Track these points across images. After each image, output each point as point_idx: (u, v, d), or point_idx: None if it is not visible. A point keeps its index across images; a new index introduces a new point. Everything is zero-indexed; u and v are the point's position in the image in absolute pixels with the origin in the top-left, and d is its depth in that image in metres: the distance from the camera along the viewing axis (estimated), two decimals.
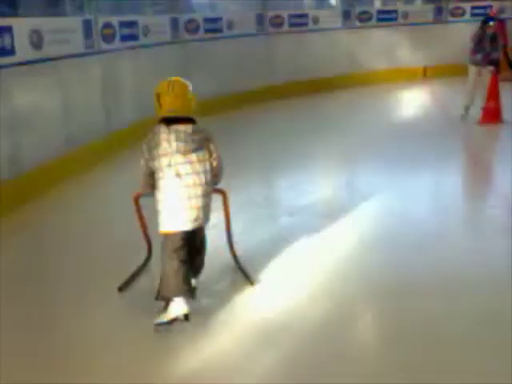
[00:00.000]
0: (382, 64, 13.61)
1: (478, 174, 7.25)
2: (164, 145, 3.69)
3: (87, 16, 7.87)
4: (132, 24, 8.74)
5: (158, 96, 3.80)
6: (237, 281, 4.25)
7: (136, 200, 4.16)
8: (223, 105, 10.28)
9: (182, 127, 3.71)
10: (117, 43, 8.31)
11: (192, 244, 3.83)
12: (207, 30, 10.65)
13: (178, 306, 3.63)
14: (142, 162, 3.82)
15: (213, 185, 3.89)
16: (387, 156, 7.54)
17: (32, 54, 6.35)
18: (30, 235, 5.42)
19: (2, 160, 5.77)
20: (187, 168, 3.69)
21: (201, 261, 4.06)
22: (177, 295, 3.63)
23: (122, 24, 8.47)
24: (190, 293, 3.70)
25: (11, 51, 5.95)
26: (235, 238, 4.45)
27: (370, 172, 7.07)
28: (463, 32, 14.12)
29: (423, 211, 5.69)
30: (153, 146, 3.75)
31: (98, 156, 7.39)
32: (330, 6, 14.71)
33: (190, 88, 3.92)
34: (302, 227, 5.21)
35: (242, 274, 4.27)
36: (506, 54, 12.58)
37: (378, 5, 15.74)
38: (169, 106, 3.76)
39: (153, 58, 9.13)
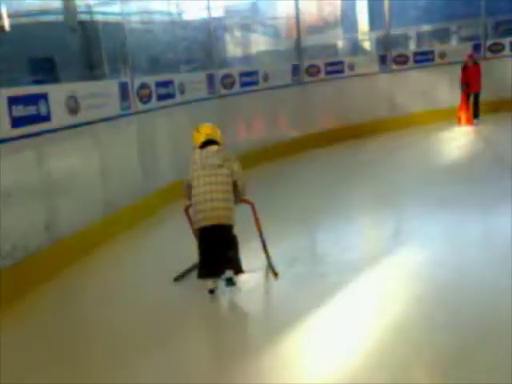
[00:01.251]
0: (421, 106, 13.39)
1: None
2: (197, 162, 5.04)
3: (123, 78, 7.92)
4: (168, 83, 8.76)
5: (198, 128, 5.31)
6: None
7: (186, 210, 5.37)
8: (262, 156, 10.18)
9: (211, 147, 5.12)
10: (153, 103, 8.32)
11: (220, 237, 4.90)
12: (243, 84, 10.66)
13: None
14: (185, 177, 5.11)
15: (233, 194, 5.01)
16: (431, 201, 7.25)
17: (68, 120, 6.36)
18: (69, 301, 5.31)
19: (39, 227, 5.72)
20: (212, 179, 4.92)
21: (234, 255, 4.94)
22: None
23: (158, 84, 8.49)
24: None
25: (47, 118, 5.97)
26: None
27: (415, 219, 6.76)
28: (503, 68, 13.95)
29: (477, 261, 5.34)
30: (190, 164, 5.09)
31: (136, 218, 7.31)
32: (365, 52, 14.67)
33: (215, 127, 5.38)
34: (349, 285, 4.95)
35: (269, 266, 5.31)
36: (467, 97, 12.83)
37: (413, 47, 15.67)
38: (206, 132, 5.26)
39: (189, 115, 9.12)
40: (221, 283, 4.99)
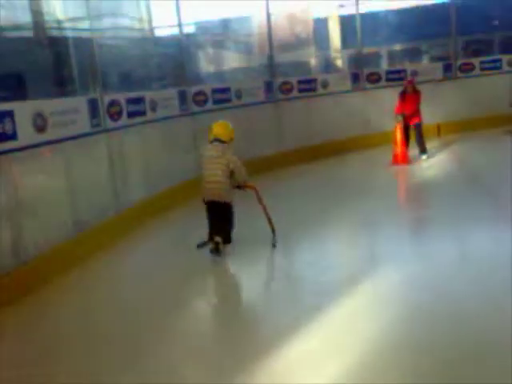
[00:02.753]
0: (394, 123, 13.43)
1: None
2: (204, 154, 6.48)
3: (93, 95, 7.76)
4: (139, 100, 8.63)
5: (211, 127, 6.54)
6: None
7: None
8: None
9: (215, 143, 6.42)
10: (124, 120, 8.17)
11: (215, 211, 6.29)
12: (216, 101, 10.56)
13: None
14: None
15: (229, 178, 6.27)
16: (407, 221, 7.21)
17: (35, 138, 6.18)
18: (39, 323, 5.10)
19: (5, 250, 5.51)
20: (212, 164, 6.30)
21: (224, 227, 6.27)
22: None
23: (129, 100, 8.35)
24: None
25: (13, 136, 5.78)
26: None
27: (393, 240, 6.70)
28: (474, 87, 14.13)
29: (452, 281, 5.27)
30: (202, 153, 6.56)
31: (107, 238, 7.12)
32: (337, 70, 14.73)
33: (230, 126, 6.60)
34: (328, 307, 4.83)
35: (272, 235, 6.53)
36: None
37: (385, 65, 15.79)
38: (215, 132, 6.49)
39: (161, 133, 9.01)
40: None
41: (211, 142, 6.44)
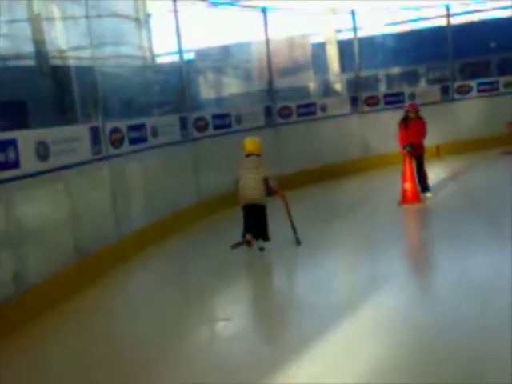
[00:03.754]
0: (393, 146, 13.50)
1: None
2: (242, 164, 7.59)
3: (94, 123, 7.86)
4: (140, 127, 8.74)
5: (244, 144, 7.72)
6: None
7: (235, 192, 7.61)
8: (235, 200, 10.14)
9: (250, 157, 7.60)
10: (125, 147, 8.26)
11: (252, 212, 7.39)
12: (216, 126, 10.67)
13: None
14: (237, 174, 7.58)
15: (263, 184, 7.42)
16: (406, 243, 7.25)
17: (38, 166, 6.27)
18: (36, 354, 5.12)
19: (6, 277, 5.56)
20: (250, 174, 7.44)
21: (262, 227, 7.38)
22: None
23: (131, 128, 8.46)
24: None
25: (15, 164, 5.86)
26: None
27: (392, 262, 6.74)
28: (472, 108, 14.27)
29: (452, 303, 5.31)
30: (239, 166, 7.59)
31: (109, 265, 7.17)
32: (336, 94, 14.87)
33: (258, 140, 7.80)
34: (327, 331, 4.86)
35: (294, 236, 7.58)
36: None
37: (383, 88, 15.94)
38: (248, 149, 7.67)
39: (162, 159, 9.09)
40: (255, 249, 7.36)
41: (247, 156, 7.63)
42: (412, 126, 9.68)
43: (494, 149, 13.03)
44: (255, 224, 7.35)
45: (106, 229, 7.54)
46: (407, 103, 10.86)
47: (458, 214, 8.48)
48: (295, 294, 6.27)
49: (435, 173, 12.03)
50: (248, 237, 7.28)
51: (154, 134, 9.01)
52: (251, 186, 7.43)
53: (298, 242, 7.57)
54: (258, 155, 7.61)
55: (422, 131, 9.76)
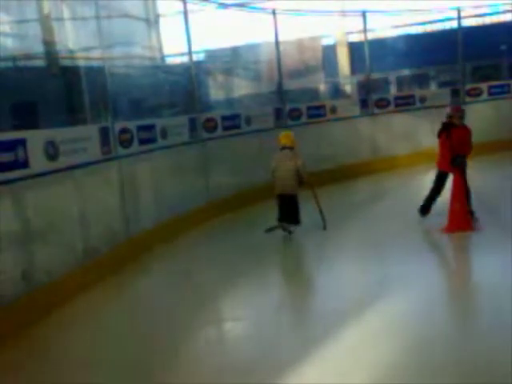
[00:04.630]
0: (404, 148, 13.48)
1: None
2: (276, 158, 8.30)
3: (104, 123, 7.85)
4: (149, 127, 8.72)
5: (280, 138, 8.45)
6: None
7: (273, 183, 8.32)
8: (245, 199, 10.13)
9: (285, 150, 8.29)
10: (135, 147, 8.24)
11: (285, 200, 8.14)
12: (226, 128, 10.64)
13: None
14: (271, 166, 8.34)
15: (297, 176, 8.11)
16: (417, 246, 7.18)
17: (47, 166, 6.25)
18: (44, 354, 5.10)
19: (16, 276, 5.55)
20: (284, 166, 8.13)
21: (294, 213, 8.15)
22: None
23: (140, 128, 8.43)
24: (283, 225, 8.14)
25: (25, 164, 5.85)
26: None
27: (403, 266, 6.66)
28: (482, 111, 14.17)
29: (462, 310, 5.25)
30: (274, 157, 8.33)
31: (118, 265, 7.15)
32: (346, 96, 14.83)
33: (292, 134, 8.56)
34: (333, 336, 4.81)
35: (322, 221, 8.30)
36: None
37: (393, 91, 15.89)
38: (282, 142, 8.38)
39: (171, 159, 9.07)
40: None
41: (281, 149, 8.30)
42: (456, 135, 7.77)
43: (506, 152, 12.91)
44: (288, 211, 8.11)
45: (115, 229, 7.52)
46: (449, 106, 8.72)
47: None
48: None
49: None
50: (283, 224, 8.11)
51: (164, 134, 8.98)
52: (285, 177, 8.12)
53: (325, 227, 8.26)
54: (291, 148, 8.28)
55: (468, 141, 7.96)
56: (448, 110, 8.20)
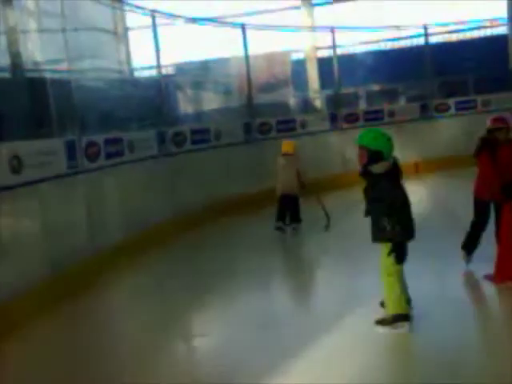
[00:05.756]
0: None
1: None
2: (279, 162, 9.17)
3: (70, 136, 7.73)
4: (117, 141, 8.61)
5: (282, 146, 9.32)
6: None
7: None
8: (212, 213, 10.06)
9: (287, 156, 9.17)
10: (102, 161, 8.13)
11: (287, 200, 8.99)
12: (195, 141, 10.58)
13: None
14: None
15: (296, 178, 9.02)
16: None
17: (11, 179, 6.11)
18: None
19: None
20: (287, 170, 9.01)
21: (295, 212, 9.10)
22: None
23: (107, 141, 8.33)
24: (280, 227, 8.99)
25: None
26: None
27: (372, 277, 6.65)
28: (450, 126, 14.37)
29: (434, 318, 5.24)
30: (277, 162, 9.20)
31: (83, 279, 7.00)
32: (316, 110, 14.90)
33: (293, 143, 9.44)
34: (308, 348, 4.77)
35: (326, 220, 8.93)
36: None
37: (363, 106, 16.02)
38: (284, 149, 9.28)
39: (139, 173, 8.97)
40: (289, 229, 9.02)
41: (283, 155, 9.21)
42: (504, 155, 6.11)
43: (473, 167, 13.05)
44: (290, 211, 9.05)
45: (80, 243, 7.37)
46: (492, 117, 6.40)
47: None
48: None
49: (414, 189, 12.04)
50: (278, 224, 8.89)
51: (131, 148, 8.89)
52: (287, 179, 8.98)
53: (327, 227, 8.87)
54: (292, 155, 9.16)
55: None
56: (488, 122, 6.30)
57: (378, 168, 4.84)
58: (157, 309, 6.24)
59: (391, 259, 4.86)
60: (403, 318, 4.90)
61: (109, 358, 5.03)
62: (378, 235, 4.89)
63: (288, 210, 9.07)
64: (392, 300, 4.92)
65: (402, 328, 4.85)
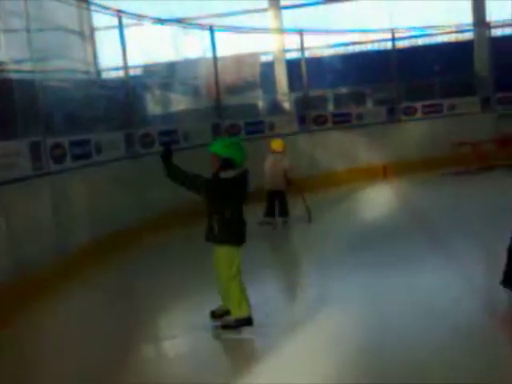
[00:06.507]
0: (341, 164, 13.64)
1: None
2: (268, 159, 9.65)
3: (35, 137, 7.57)
4: (83, 142, 8.48)
5: (271, 144, 9.83)
6: None
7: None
8: (182, 216, 9.96)
9: (276, 154, 9.65)
10: (68, 163, 7.99)
11: (275, 196, 9.57)
12: (163, 143, 10.45)
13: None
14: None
15: (285, 174, 9.49)
16: (353, 260, 7.23)
17: None
18: None
19: None
20: (275, 167, 9.49)
21: (283, 207, 9.64)
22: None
23: (73, 143, 8.20)
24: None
25: None
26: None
27: (338, 281, 6.68)
28: (417, 130, 14.54)
29: (398, 320, 5.26)
30: (266, 159, 9.65)
31: (48, 283, 6.85)
32: (285, 112, 14.92)
33: (282, 142, 9.91)
34: (274, 348, 4.75)
35: (308, 214, 9.66)
36: None
37: (331, 108, 16.10)
38: (273, 147, 9.77)
39: (107, 175, 8.85)
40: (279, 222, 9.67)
41: (272, 152, 9.71)
42: None
43: (439, 169, 13.28)
44: (279, 205, 9.59)
45: (46, 246, 7.23)
46: None
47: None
48: None
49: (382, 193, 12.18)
50: (268, 219, 9.49)
51: (98, 149, 8.76)
52: (275, 175, 9.49)
53: (310, 220, 9.63)
54: (280, 153, 9.63)
55: None
56: None
57: (225, 174, 5.13)
58: (123, 311, 6.16)
59: (231, 259, 5.13)
60: (246, 322, 5.16)
61: (75, 362, 4.93)
62: (222, 236, 5.13)
63: (278, 205, 9.64)
64: (235, 303, 5.14)
65: (246, 332, 5.09)
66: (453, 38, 17.22)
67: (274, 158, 9.64)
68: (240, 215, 5.24)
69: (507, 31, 16.57)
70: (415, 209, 10.49)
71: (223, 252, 5.12)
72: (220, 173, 5.15)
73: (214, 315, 5.35)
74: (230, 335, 5.07)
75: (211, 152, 5.25)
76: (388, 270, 6.80)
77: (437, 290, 5.98)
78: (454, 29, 16.83)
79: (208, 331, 5.32)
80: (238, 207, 5.24)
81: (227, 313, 5.27)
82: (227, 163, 5.15)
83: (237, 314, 5.15)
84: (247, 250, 5.25)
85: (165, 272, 7.45)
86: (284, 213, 9.71)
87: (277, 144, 9.83)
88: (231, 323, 5.16)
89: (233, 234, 5.17)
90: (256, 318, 5.34)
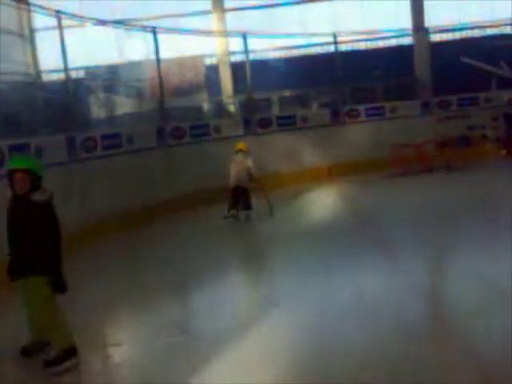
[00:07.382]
0: (286, 166, 13.74)
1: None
2: (234, 158, 10.46)
3: None
4: (23, 147, 8.25)
5: (236, 145, 10.67)
6: None
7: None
8: (126, 221, 9.83)
9: (240, 153, 10.48)
10: (6, 168, 7.74)
11: (238, 192, 10.19)
12: (106, 147, 10.29)
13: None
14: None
15: (248, 173, 10.27)
16: (302, 264, 7.29)
17: None
18: None
19: None
20: (239, 165, 10.29)
21: (247, 202, 10.24)
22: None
23: (12, 147, 7.96)
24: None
25: None
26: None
27: (287, 284, 6.72)
28: (360, 132, 14.77)
29: (348, 322, 5.32)
30: (231, 160, 10.41)
31: None
32: (230, 115, 14.93)
33: (245, 143, 10.75)
34: (221, 354, 4.73)
35: (269, 210, 10.35)
36: None
37: (276, 111, 16.19)
38: (237, 148, 10.58)
39: (47, 180, 8.60)
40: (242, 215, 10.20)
41: (236, 152, 10.46)
42: None
43: (382, 171, 13.53)
44: (242, 200, 10.16)
45: None
46: None
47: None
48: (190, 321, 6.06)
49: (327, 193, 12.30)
50: (233, 212, 10.06)
51: (39, 154, 8.53)
52: (239, 173, 10.19)
53: (271, 214, 10.37)
54: (244, 152, 10.44)
55: None
56: None
57: (41, 195, 4.59)
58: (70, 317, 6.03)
59: (48, 289, 4.63)
60: (73, 351, 4.68)
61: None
62: (38, 268, 4.63)
63: (240, 200, 10.22)
64: (56, 331, 4.69)
65: (73, 363, 4.63)
66: (394, 42, 17.55)
67: (238, 156, 10.44)
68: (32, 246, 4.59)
69: (446, 37, 17.03)
70: (358, 207, 10.73)
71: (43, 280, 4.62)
72: (33, 195, 4.56)
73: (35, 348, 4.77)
74: (59, 369, 4.53)
75: (21, 169, 4.56)
76: (331, 267, 6.88)
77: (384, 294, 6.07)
78: (394, 33, 17.15)
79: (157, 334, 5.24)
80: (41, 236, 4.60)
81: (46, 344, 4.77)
82: (38, 183, 4.58)
83: (62, 342, 4.65)
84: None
85: (109, 278, 7.33)
86: (247, 207, 10.31)
87: (242, 144, 10.68)
88: (59, 356, 4.58)
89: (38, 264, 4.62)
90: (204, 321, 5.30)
